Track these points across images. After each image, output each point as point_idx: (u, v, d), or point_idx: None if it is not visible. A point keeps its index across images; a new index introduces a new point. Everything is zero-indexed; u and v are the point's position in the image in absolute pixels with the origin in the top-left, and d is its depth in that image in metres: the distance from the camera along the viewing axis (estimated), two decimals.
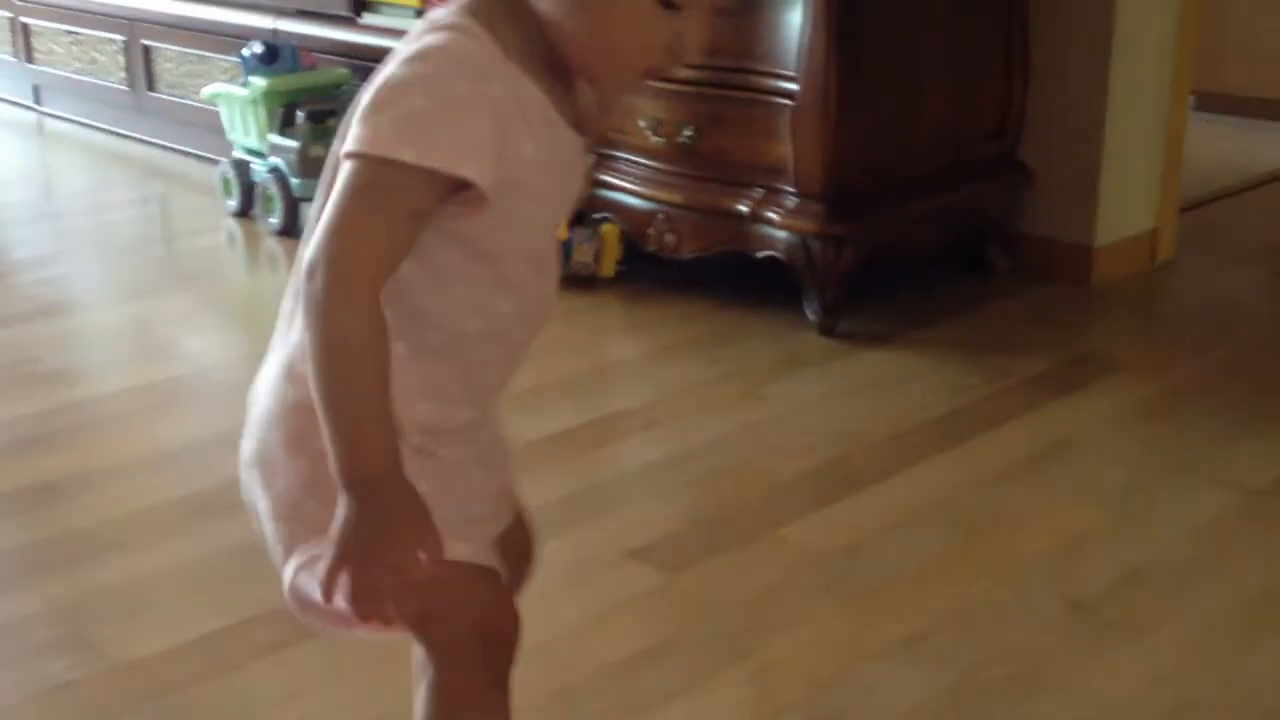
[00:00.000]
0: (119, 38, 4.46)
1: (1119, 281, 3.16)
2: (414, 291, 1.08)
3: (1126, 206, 3.21)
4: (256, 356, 1.17)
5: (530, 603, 1.86)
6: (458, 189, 1.02)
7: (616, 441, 2.42)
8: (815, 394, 2.55)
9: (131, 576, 1.94)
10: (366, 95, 1.04)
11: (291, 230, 3.45)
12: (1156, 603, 1.82)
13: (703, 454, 2.32)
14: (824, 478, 2.21)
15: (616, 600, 1.86)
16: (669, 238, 2.98)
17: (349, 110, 1.05)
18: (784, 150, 2.76)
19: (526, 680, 1.66)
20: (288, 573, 1.13)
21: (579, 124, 1.12)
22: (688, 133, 2.90)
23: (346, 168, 1.02)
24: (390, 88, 1.02)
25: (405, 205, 1.01)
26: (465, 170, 1.00)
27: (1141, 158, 3.24)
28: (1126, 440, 2.41)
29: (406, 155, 0.99)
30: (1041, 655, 1.71)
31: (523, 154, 1.05)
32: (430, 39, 1.04)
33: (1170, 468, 2.25)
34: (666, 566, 1.93)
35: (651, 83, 1.11)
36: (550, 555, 2.01)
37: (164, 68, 4.34)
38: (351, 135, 1.02)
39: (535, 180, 1.07)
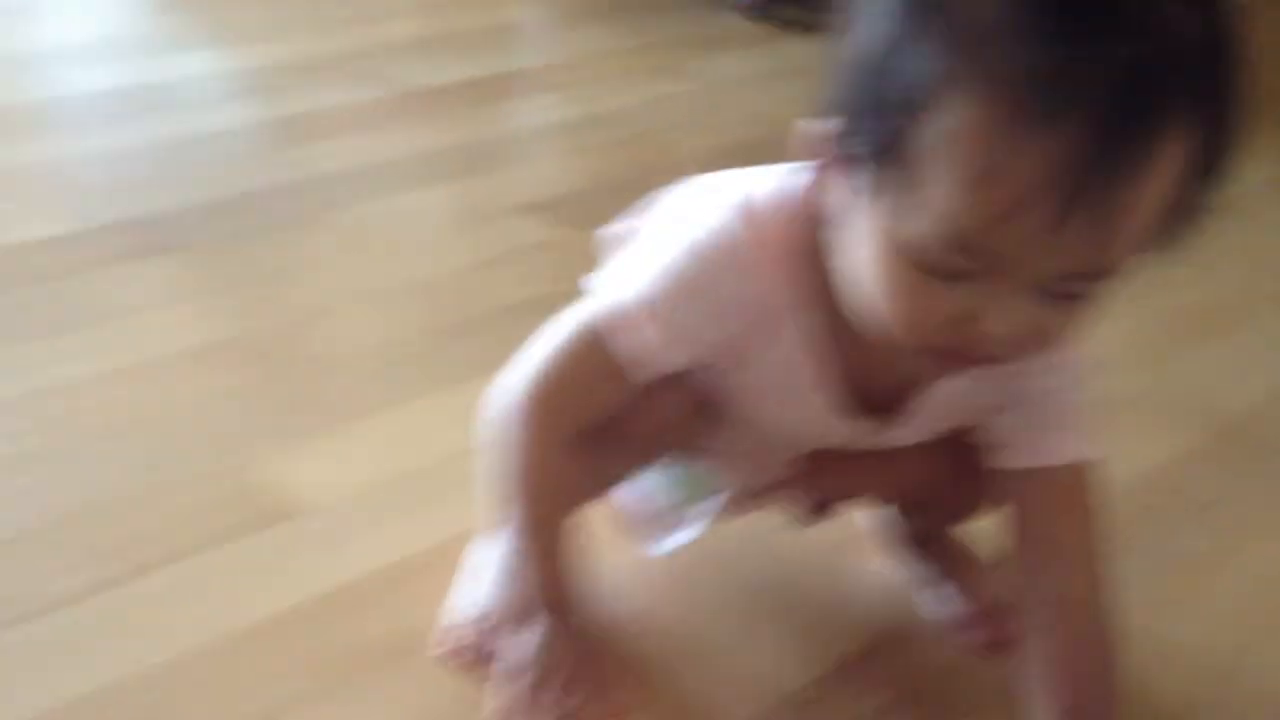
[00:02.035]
0: None
1: None
2: None
3: None
4: None
5: (419, 243, 1.73)
6: None
7: (518, 99, 2.23)
8: (737, 75, 2.37)
9: None
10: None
11: None
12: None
13: (609, 120, 2.14)
14: (735, 156, 2.05)
15: (507, 249, 1.71)
16: None
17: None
18: None
19: (411, 315, 1.53)
20: None
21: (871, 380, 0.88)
22: None
23: None
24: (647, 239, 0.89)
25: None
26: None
27: None
28: None
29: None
30: None
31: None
32: (720, 211, 0.84)
33: None
34: (560, 222, 1.77)
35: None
36: (439, 202, 1.86)
37: None
38: None
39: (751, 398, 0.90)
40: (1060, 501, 0.92)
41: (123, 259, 1.56)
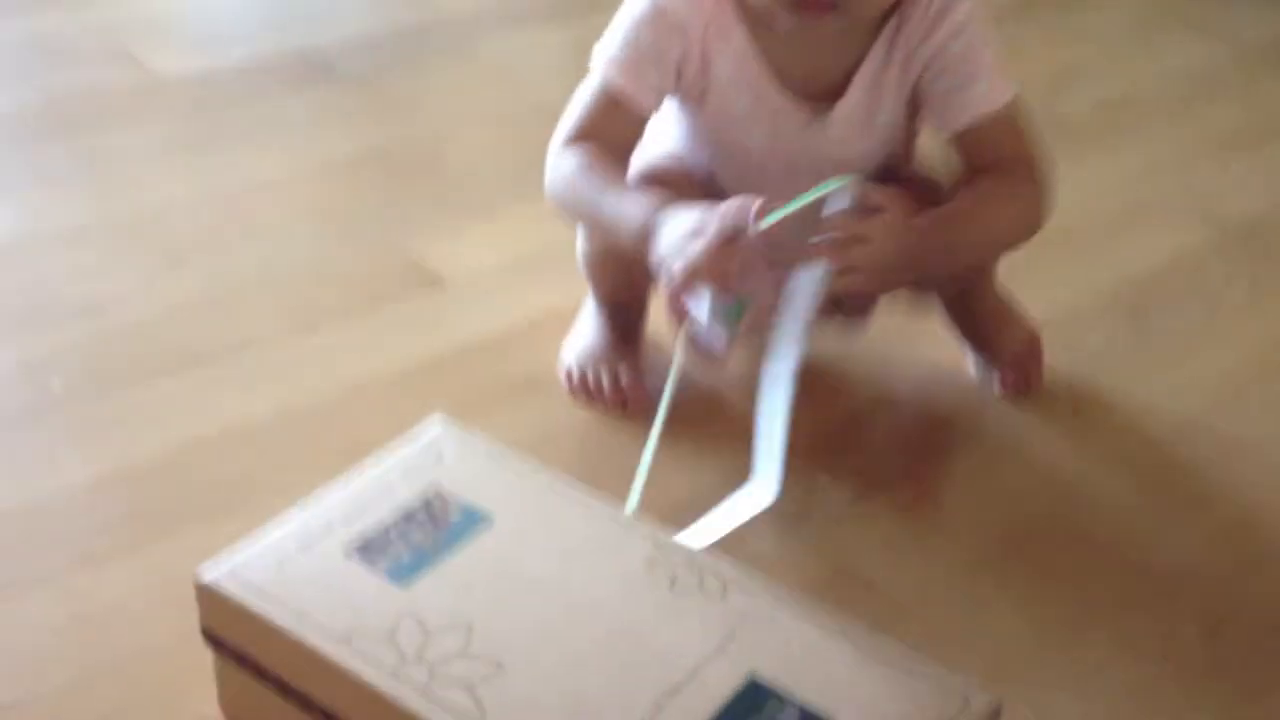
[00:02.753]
0: None
1: None
2: None
3: None
4: None
5: (541, 73, 1.95)
6: None
7: None
8: None
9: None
10: None
11: None
12: (1134, 126, 1.91)
13: None
14: None
15: None
16: None
17: None
18: None
19: (534, 133, 1.71)
20: None
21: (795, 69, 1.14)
22: None
23: None
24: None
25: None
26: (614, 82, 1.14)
27: None
28: None
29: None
30: None
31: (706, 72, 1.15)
32: None
33: (1171, 18, 2.29)
34: None
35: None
36: (560, 38, 2.07)
37: None
38: None
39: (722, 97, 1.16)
40: (998, 144, 1.16)
41: (280, 88, 1.84)
